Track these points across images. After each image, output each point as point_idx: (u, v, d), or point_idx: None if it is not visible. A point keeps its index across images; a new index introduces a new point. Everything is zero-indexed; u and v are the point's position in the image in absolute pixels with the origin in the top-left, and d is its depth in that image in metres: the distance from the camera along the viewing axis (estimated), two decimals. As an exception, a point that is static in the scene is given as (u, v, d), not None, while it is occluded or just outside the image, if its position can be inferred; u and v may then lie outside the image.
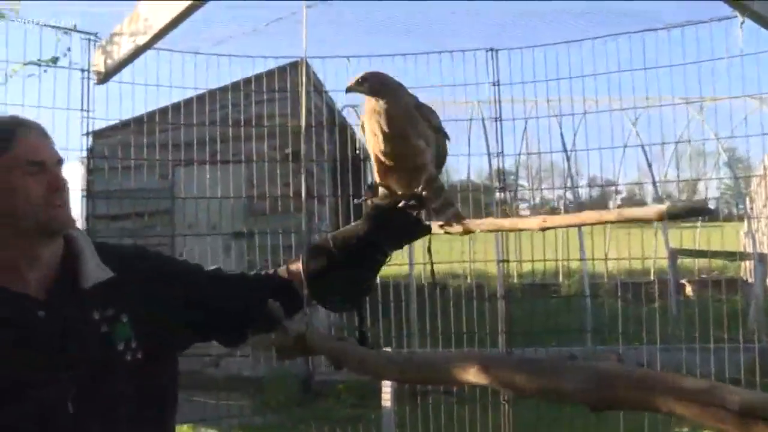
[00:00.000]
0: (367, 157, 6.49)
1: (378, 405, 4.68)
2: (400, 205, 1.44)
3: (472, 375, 1.15)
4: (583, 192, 12.83)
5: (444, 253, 5.73)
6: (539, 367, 0.94)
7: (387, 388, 4.54)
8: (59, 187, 1.32)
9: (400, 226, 1.45)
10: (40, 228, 1.31)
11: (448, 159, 1.58)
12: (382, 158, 1.45)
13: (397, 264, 6.02)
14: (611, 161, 13.01)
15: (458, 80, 5.33)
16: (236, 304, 1.48)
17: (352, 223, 1.49)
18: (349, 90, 1.43)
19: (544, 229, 1.57)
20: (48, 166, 1.32)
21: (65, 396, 1.26)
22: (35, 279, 1.31)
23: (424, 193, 1.44)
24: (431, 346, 5.53)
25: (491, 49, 5.23)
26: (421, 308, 5.82)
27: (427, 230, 1.48)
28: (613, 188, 12.68)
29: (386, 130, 1.40)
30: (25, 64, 4.35)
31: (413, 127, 1.41)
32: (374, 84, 1.40)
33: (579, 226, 3.50)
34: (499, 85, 5.25)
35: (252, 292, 1.49)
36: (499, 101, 5.32)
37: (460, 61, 5.21)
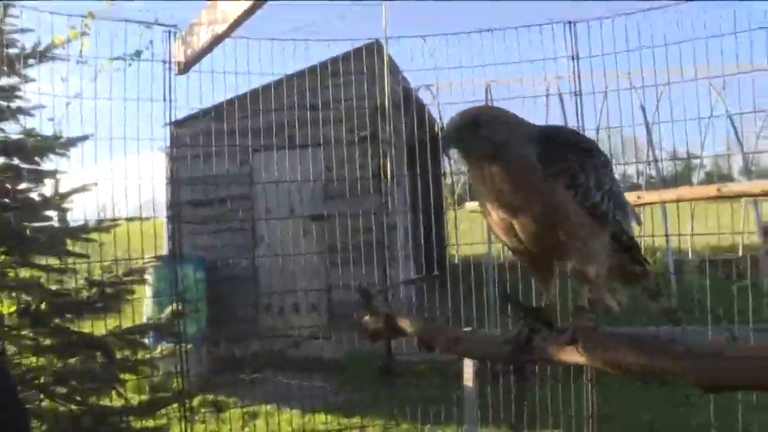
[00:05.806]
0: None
1: (460, 386, 4.65)
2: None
3: (568, 354, 1.12)
4: (666, 167, 12.38)
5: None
6: (654, 347, 0.91)
7: (469, 368, 4.49)
8: None
9: None
10: None
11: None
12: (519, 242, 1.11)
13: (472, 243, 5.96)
14: (695, 134, 12.44)
15: (536, 55, 5.20)
16: None
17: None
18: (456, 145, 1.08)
19: (638, 206, 1.51)
20: None
21: None
22: None
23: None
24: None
25: (569, 22, 5.07)
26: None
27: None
28: (697, 161, 12.13)
29: (504, 207, 1.08)
30: (112, 60, 4.51)
31: (535, 192, 1.03)
32: (494, 136, 1.04)
33: (677, 202, 3.34)
34: (578, 58, 5.09)
35: None
36: (579, 75, 5.14)
37: (537, 35, 5.08)
